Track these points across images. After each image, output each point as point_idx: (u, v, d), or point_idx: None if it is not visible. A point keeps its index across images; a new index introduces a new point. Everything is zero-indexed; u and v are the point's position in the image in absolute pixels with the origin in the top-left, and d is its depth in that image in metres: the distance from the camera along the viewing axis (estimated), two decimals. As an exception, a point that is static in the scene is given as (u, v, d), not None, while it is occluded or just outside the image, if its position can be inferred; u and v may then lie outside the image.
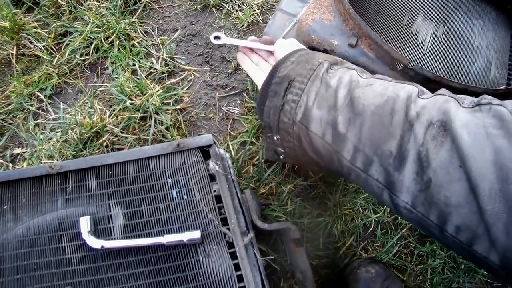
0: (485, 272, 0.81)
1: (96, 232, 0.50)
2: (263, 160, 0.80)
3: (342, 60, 0.52)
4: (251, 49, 0.70)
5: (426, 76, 0.68)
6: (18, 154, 0.81)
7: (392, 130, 0.37)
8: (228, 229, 0.51)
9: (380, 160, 0.37)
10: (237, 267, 0.49)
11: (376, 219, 0.81)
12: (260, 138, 0.82)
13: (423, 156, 0.34)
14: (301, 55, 0.53)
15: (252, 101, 0.87)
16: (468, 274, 0.80)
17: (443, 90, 0.40)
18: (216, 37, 0.71)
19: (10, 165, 0.79)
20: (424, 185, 0.34)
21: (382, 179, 0.38)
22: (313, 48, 0.74)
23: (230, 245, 0.51)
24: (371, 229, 0.80)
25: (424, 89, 0.41)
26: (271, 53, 0.68)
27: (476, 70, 0.81)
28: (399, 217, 0.82)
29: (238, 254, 0.49)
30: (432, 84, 0.69)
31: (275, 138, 0.52)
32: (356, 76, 0.45)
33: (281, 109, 0.48)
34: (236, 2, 1.02)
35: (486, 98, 0.35)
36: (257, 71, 0.65)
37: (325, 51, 0.73)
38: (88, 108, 0.83)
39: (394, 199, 0.37)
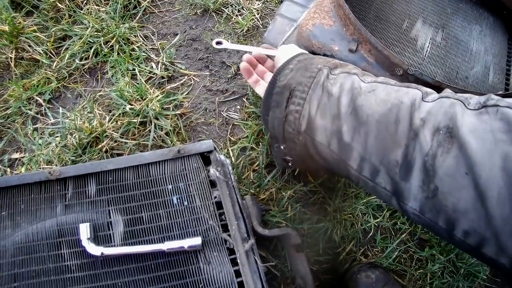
0: (484, 277, 0.82)
1: (96, 239, 0.50)
2: (263, 166, 0.80)
3: (341, 62, 0.51)
4: (255, 59, 0.69)
5: (425, 81, 0.68)
6: (16, 159, 0.80)
7: (397, 139, 0.37)
8: (229, 235, 0.51)
9: (387, 169, 0.38)
10: (237, 273, 0.49)
11: (376, 224, 0.81)
12: (260, 143, 0.82)
13: (429, 165, 0.34)
14: (299, 61, 0.52)
15: (252, 106, 0.87)
16: (467, 279, 0.80)
17: (448, 92, 0.39)
18: (218, 42, 0.71)
19: (8, 170, 0.79)
20: (431, 193, 0.35)
21: (389, 188, 0.38)
22: (313, 53, 0.75)
23: (231, 251, 0.51)
24: (370, 234, 0.80)
25: (428, 89, 0.41)
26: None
27: (475, 75, 0.82)
28: (398, 222, 0.82)
29: (238, 261, 0.49)
30: (431, 89, 0.69)
31: (282, 147, 0.52)
32: (358, 82, 0.44)
33: (285, 120, 0.48)
34: (236, 6, 1.02)
35: (493, 98, 0.35)
36: (262, 84, 0.64)
37: (325, 56, 0.73)
38: (88, 113, 0.83)
39: (402, 205, 0.38)
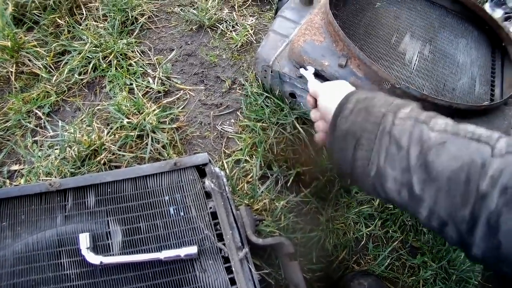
0: (476, 283, 0.83)
1: (95, 248, 0.51)
2: (257, 178, 0.81)
3: (402, 102, 0.49)
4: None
5: (412, 94, 0.71)
6: (15, 170, 0.82)
7: (466, 198, 0.39)
8: (224, 244, 0.53)
9: (454, 223, 0.40)
10: (232, 281, 0.50)
11: (368, 233, 0.82)
12: (254, 156, 0.84)
13: (493, 222, 0.36)
14: (358, 100, 0.51)
15: (246, 120, 0.89)
16: (459, 285, 0.82)
17: None
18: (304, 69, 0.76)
19: (7, 181, 0.80)
20: (494, 245, 0.37)
21: (455, 237, 0.41)
22: (304, 68, 0.78)
23: (226, 260, 0.52)
24: (363, 242, 0.82)
25: (496, 135, 0.41)
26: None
27: (462, 86, 0.84)
28: (390, 231, 0.84)
29: (233, 269, 0.51)
30: (418, 102, 0.72)
31: (349, 181, 0.53)
32: (427, 133, 0.43)
33: (353, 165, 0.49)
34: (230, 22, 1.05)
35: None
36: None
37: (316, 71, 0.76)
38: (86, 126, 0.84)
39: (466, 251, 0.41)
